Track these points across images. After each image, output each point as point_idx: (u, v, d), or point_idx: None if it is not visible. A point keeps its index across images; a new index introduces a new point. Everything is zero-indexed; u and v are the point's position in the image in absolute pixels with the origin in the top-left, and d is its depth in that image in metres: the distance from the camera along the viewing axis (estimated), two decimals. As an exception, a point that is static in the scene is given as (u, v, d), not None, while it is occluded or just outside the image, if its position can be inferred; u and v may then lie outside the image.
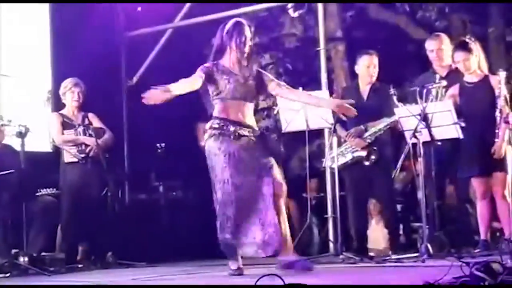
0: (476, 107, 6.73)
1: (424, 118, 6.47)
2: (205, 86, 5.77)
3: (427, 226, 6.54)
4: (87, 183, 7.62)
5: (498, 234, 7.14)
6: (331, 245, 7.83)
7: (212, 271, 6.36)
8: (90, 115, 7.86)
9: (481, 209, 6.81)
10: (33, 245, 7.26)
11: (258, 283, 4.01)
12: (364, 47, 7.71)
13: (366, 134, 7.24)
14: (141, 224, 8.88)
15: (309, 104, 6.45)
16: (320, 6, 8.65)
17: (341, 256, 6.87)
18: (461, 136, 6.55)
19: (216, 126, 5.62)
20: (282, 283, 4.00)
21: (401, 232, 8.39)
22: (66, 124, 7.72)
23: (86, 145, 7.61)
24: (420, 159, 6.47)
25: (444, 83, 6.72)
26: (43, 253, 7.42)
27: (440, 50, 7.22)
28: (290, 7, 9.05)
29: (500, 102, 6.44)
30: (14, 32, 8.73)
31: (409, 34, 9.42)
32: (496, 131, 6.47)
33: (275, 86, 5.84)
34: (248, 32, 5.72)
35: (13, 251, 7.01)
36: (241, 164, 5.54)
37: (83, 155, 7.57)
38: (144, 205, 9.53)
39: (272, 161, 5.66)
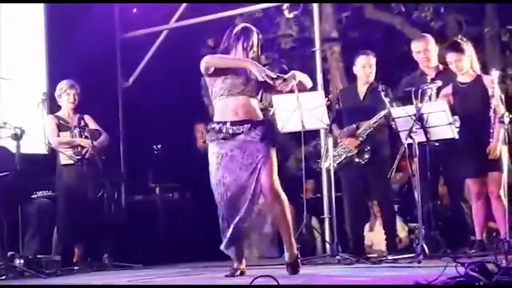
0: (470, 107, 6.74)
1: (419, 118, 6.48)
2: (206, 82, 5.78)
3: (423, 227, 6.55)
4: (83, 185, 7.62)
5: (494, 234, 7.15)
6: (327, 245, 7.83)
7: (209, 273, 6.35)
8: (86, 117, 7.86)
9: (476, 209, 6.81)
10: (29, 248, 7.25)
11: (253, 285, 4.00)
12: (359, 48, 7.73)
13: (358, 132, 7.25)
14: (138, 225, 8.87)
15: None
16: (315, 7, 8.67)
17: (337, 257, 6.87)
18: (456, 136, 6.57)
19: (212, 129, 5.62)
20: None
21: (405, 233, 8.43)
22: (62, 126, 7.72)
23: (82, 147, 7.61)
24: (416, 160, 6.48)
25: (439, 83, 6.73)
26: (39, 255, 7.41)
27: (427, 51, 7.24)
28: (286, 8, 9.04)
29: (494, 102, 6.45)
30: (9, 33, 8.71)
31: (404, 34, 9.41)
32: (491, 131, 6.47)
33: None
34: (255, 38, 5.73)
35: (9, 253, 6.99)
36: (233, 163, 5.53)
37: (79, 157, 7.57)
38: (140, 206, 9.52)
39: (269, 153, 5.53)
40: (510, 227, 6.24)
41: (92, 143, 7.59)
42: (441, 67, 7.27)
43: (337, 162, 7.33)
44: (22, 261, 6.92)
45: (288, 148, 9.50)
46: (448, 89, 6.88)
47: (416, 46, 7.32)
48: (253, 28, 5.80)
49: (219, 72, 5.63)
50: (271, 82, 5.52)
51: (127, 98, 9.98)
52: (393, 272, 5.48)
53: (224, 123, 5.57)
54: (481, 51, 7.10)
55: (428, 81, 6.81)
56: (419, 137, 6.48)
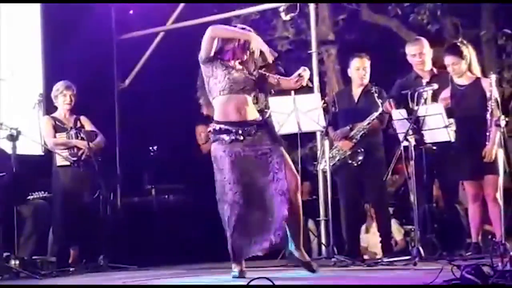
0: (467, 109, 6.74)
1: (416, 121, 6.48)
2: (202, 79, 5.79)
3: (418, 229, 6.55)
4: (79, 186, 7.61)
5: (490, 236, 7.15)
6: (323, 248, 7.83)
7: (204, 274, 6.35)
8: (82, 118, 7.86)
9: (472, 212, 6.82)
10: (25, 249, 7.25)
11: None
12: (356, 50, 7.74)
13: (351, 133, 7.26)
14: (133, 227, 8.87)
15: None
16: (312, 9, 8.68)
17: (333, 259, 6.87)
18: (453, 139, 6.59)
19: (218, 129, 5.57)
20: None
21: (401, 236, 8.44)
22: (58, 127, 7.71)
23: (78, 148, 7.61)
24: (412, 162, 6.49)
25: (436, 86, 6.74)
26: (34, 257, 7.42)
27: (422, 54, 7.25)
28: (282, 10, 9.03)
29: (492, 105, 6.46)
30: (5, 34, 8.70)
31: (401, 37, 9.43)
32: (487, 134, 6.48)
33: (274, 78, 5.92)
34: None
35: (4, 254, 6.98)
36: (247, 163, 5.51)
37: (75, 158, 7.56)
38: (136, 208, 9.52)
39: (282, 152, 5.60)
40: (506, 230, 6.25)
41: (88, 144, 7.58)
42: (435, 70, 7.28)
43: (331, 164, 7.33)
44: (17, 262, 6.92)
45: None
46: (447, 92, 6.89)
47: (411, 49, 7.33)
48: (249, 28, 5.81)
49: (220, 65, 5.63)
50: (272, 58, 5.62)
51: (123, 99, 9.97)
52: (389, 274, 5.49)
53: (231, 123, 5.54)
54: (477, 54, 7.09)
55: (423, 84, 6.81)
56: (415, 139, 6.50)
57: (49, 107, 8.01)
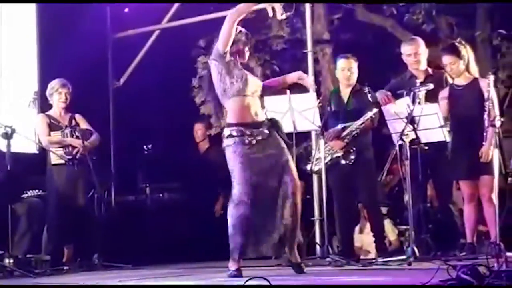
0: (465, 110, 6.75)
1: (411, 121, 6.49)
2: (209, 79, 5.73)
3: (413, 229, 6.56)
4: (74, 184, 7.60)
5: (483, 237, 7.16)
6: (317, 247, 7.83)
7: (199, 273, 6.35)
8: (77, 116, 7.84)
9: (467, 212, 6.82)
10: (19, 247, 7.23)
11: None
12: (351, 50, 7.75)
13: (343, 133, 7.26)
14: (128, 226, 8.85)
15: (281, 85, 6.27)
16: (307, 8, 8.67)
17: (327, 259, 6.87)
18: (448, 139, 6.60)
19: (234, 134, 5.57)
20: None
21: (395, 236, 8.43)
22: (53, 126, 7.69)
23: (73, 147, 7.58)
24: (407, 162, 6.49)
25: (431, 86, 6.74)
26: (28, 255, 7.40)
27: (417, 54, 7.25)
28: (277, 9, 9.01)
29: (489, 105, 6.45)
30: (0, 32, 8.68)
31: (396, 37, 9.42)
32: (484, 134, 6.48)
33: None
34: (251, 42, 5.86)
35: (-1, 253, 6.98)
36: (257, 164, 5.55)
37: (69, 157, 7.54)
38: (130, 206, 9.51)
39: (288, 155, 5.68)
40: (501, 230, 6.25)
41: (83, 142, 7.57)
42: (430, 70, 7.29)
43: (323, 163, 7.33)
44: (11, 260, 6.90)
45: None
46: (445, 92, 6.90)
47: (406, 49, 7.33)
48: (243, 30, 5.82)
49: (235, 64, 5.62)
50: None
51: (118, 98, 9.96)
52: (385, 274, 5.49)
53: (246, 125, 5.56)
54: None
55: (418, 84, 6.81)
56: (411, 139, 6.50)
57: (44, 105, 7.99)
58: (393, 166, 7.15)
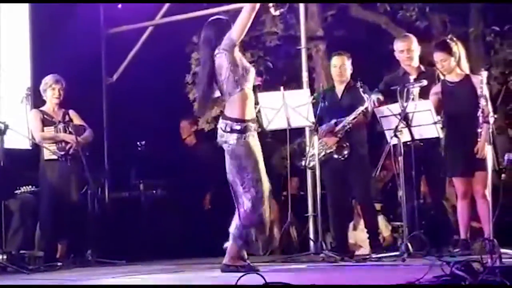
0: (458, 106, 6.76)
1: (405, 117, 6.50)
2: (211, 73, 5.55)
3: (407, 225, 6.57)
4: (67, 180, 7.59)
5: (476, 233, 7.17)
6: (311, 243, 7.84)
7: (192, 270, 6.35)
8: (71, 112, 7.83)
9: (461, 209, 6.83)
10: (12, 243, 7.23)
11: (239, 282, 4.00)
12: (344, 47, 7.76)
13: (337, 129, 7.26)
14: (121, 222, 8.85)
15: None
16: (301, 5, 8.67)
17: (321, 255, 6.88)
18: (441, 136, 6.61)
19: (239, 128, 5.45)
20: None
21: (388, 232, 8.44)
22: (46, 121, 7.68)
23: (66, 143, 7.58)
24: (401, 158, 6.50)
25: (425, 82, 6.74)
26: (22, 251, 7.39)
27: (410, 50, 7.26)
28: (271, 6, 9.01)
29: (483, 102, 6.45)
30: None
31: (389, 33, 9.43)
32: (479, 130, 6.48)
33: None
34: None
35: (-8, 249, 6.96)
36: (262, 161, 5.57)
37: (63, 153, 7.53)
38: (124, 203, 9.49)
39: None
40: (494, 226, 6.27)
41: (76, 138, 7.56)
42: (422, 67, 7.30)
43: (317, 159, 7.33)
44: (5, 256, 6.89)
45: (272, 146, 9.48)
46: (437, 88, 6.91)
47: (399, 46, 7.34)
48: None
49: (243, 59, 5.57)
50: None
51: (111, 94, 9.93)
52: (378, 271, 5.50)
53: (248, 122, 5.50)
54: (466, 51, 7.11)
55: (411, 80, 6.82)
56: (405, 136, 6.51)
57: (37, 101, 7.97)
58: (386, 162, 7.16)
